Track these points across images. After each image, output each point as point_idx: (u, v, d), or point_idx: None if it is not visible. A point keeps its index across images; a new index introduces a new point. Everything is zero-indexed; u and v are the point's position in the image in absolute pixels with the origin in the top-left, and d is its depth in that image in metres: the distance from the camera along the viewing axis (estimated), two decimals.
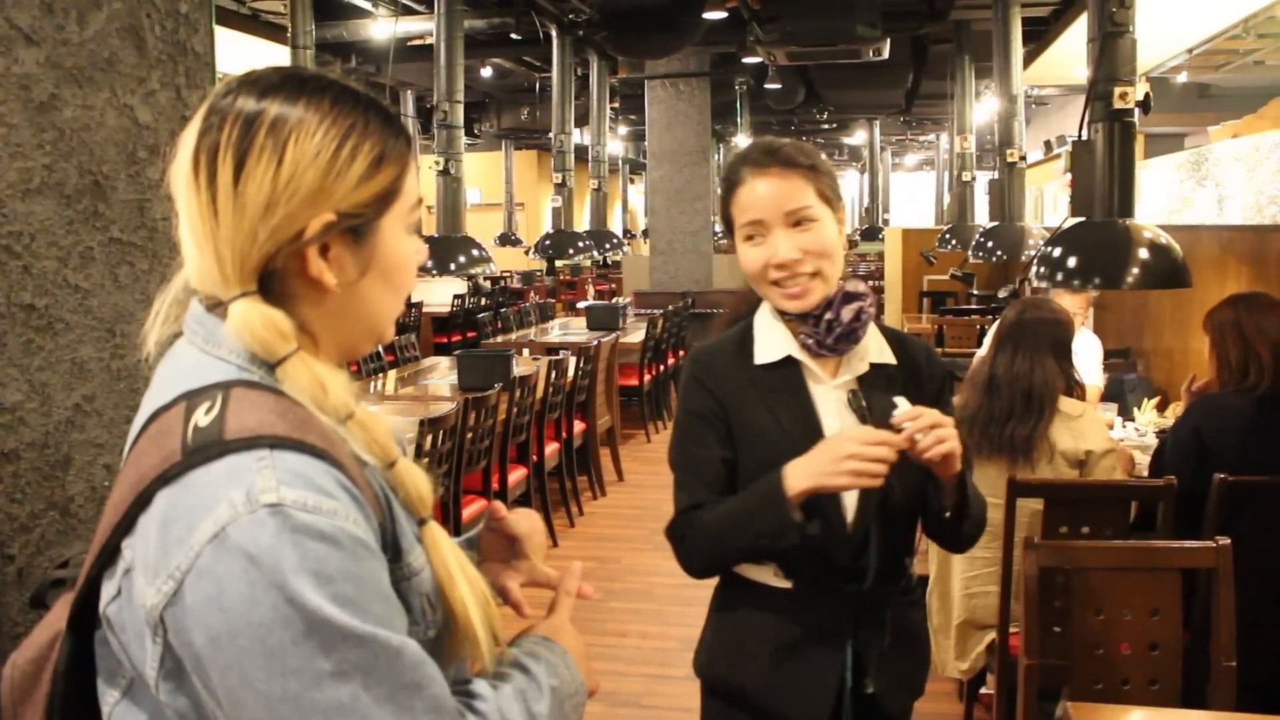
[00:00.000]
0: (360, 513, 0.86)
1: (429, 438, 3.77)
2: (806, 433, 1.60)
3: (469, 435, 4.18)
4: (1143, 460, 3.63)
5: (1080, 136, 3.48)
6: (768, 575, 1.65)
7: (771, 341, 1.67)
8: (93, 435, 1.55)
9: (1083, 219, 3.41)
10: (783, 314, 1.65)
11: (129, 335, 1.66)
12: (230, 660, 0.79)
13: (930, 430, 1.46)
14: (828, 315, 1.59)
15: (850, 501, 1.62)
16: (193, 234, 0.92)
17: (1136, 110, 3.43)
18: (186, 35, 1.96)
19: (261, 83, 0.93)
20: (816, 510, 1.55)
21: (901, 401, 1.52)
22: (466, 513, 4.31)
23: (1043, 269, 3.34)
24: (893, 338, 1.70)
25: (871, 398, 1.62)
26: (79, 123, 1.56)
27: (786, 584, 1.64)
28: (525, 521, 1.18)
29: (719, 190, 1.70)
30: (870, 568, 1.61)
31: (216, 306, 0.93)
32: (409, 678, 0.83)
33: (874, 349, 1.66)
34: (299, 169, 0.90)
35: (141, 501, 0.84)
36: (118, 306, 1.65)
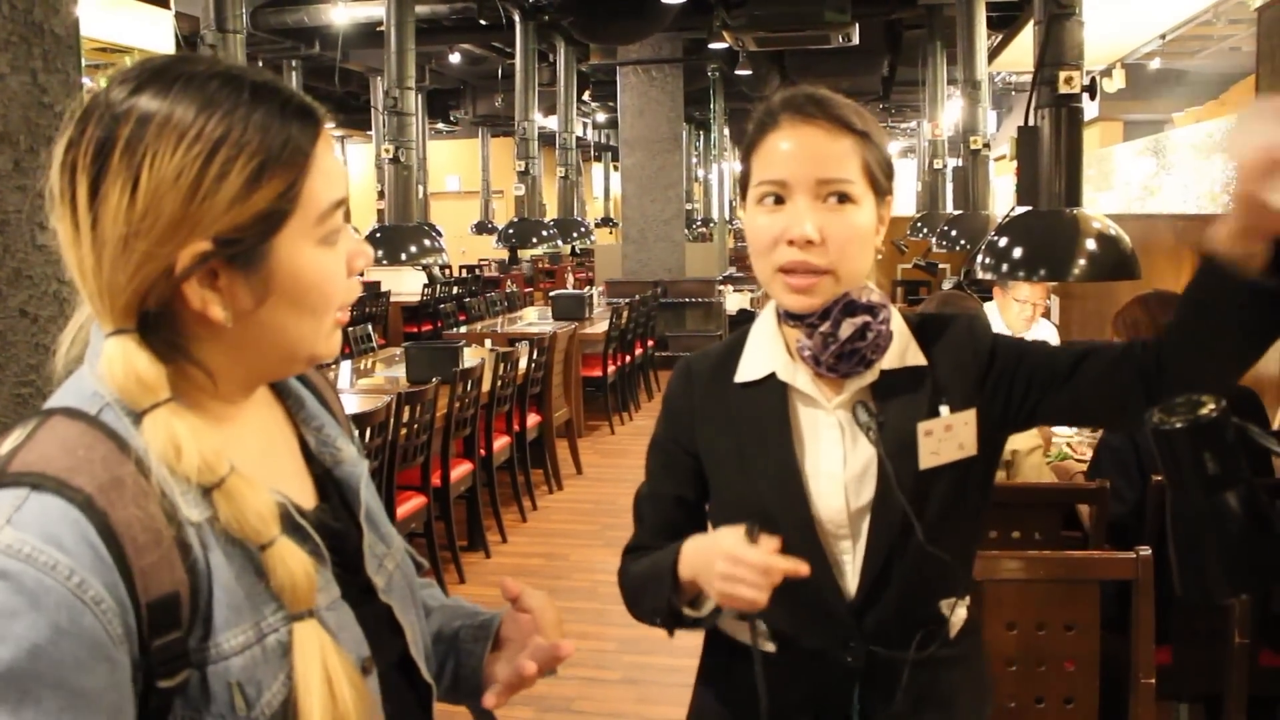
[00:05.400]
0: (100, 578, 0.74)
1: (355, 434, 3.63)
2: (781, 472, 1.30)
3: (403, 431, 4.05)
4: None
5: (1026, 122, 3.38)
6: (747, 633, 1.32)
7: (759, 354, 1.35)
8: None
9: (1029, 208, 3.31)
10: (787, 318, 1.31)
11: None
12: None
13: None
14: (823, 327, 1.26)
15: (848, 546, 1.30)
16: (66, 260, 0.82)
17: (1085, 96, 3.34)
18: (44, 16, 1.87)
19: (132, 79, 0.81)
20: (803, 555, 1.20)
21: (943, 411, 1.27)
22: (402, 510, 4.19)
23: (988, 259, 3.24)
24: (919, 325, 1.35)
25: (890, 408, 1.29)
26: None
27: (769, 647, 1.33)
28: (536, 598, 1.08)
29: (745, 140, 1.33)
30: (879, 630, 1.29)
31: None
32: None
33: (891, 355, 1.31)
34: (156, 197, 0.79)
35: None
36: None
